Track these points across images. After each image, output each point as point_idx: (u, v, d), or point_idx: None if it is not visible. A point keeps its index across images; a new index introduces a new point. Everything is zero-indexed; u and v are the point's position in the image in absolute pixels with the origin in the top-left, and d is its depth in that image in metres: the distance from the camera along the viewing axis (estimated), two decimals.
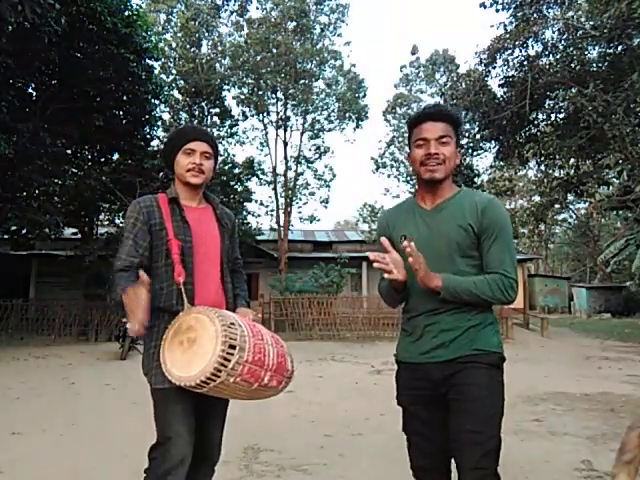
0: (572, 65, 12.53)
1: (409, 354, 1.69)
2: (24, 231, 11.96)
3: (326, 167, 21.10)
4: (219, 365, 1.48)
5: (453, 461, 1.63)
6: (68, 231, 15.16)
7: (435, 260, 1.60)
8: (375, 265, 1.57)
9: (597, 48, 12.48)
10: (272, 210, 19.72)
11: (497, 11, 12.96)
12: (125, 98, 12.06)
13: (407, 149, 1.83)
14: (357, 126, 20.48)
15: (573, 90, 12.21)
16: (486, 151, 18.77)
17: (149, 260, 1.77)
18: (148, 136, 13.88)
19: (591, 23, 11.96)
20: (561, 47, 12.82)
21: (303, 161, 20.38)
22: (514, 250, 1.64)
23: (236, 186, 17.22)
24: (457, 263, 1.61)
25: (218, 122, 18.22)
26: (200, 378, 1.49)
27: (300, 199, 20.36)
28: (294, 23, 18.21)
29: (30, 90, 11.56)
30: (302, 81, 18.73)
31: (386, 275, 1.58)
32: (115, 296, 1.66)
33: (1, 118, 9.55)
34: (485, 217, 1.60)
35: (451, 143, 1.66)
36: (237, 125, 18.96)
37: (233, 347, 1.52)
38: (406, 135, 1.83)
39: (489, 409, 1.53)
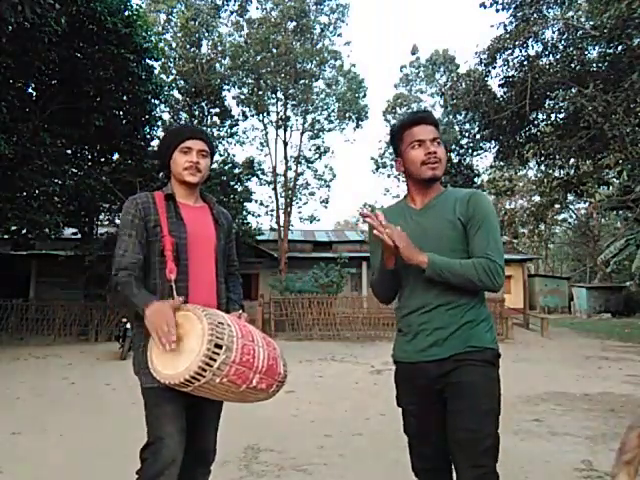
0: (572, 65, 12.53)
1: (406, 354, 1.70)
2: (24, 231, 11.95)
3: (326, 167, 21.11)
4: (204, 364, 1.46)
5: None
6: (68, 231, 15.15)
7: None
8: (367, 220, 1.61)
9: (597, 48, 12.48)
10: (272, 210, 19.73)
11: (497, 11, 12.96)
12: (125, 98, 12.05)
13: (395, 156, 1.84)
14: (357, 126, 20.49)
15: (573, 90, 12.22)
16: (486, 151, 18.79)
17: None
18: (148, 136, 13.87)
19: (591, 23, 11.96)
20: (561, 47, 12.82)
21: (303, 161, 20.39)
22: (500, 239, 1.65)
23: (236, 186, 17.21)
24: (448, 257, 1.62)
25: (218, 122, 18.20)
26: (184, 376, 1.47)
27: (300, 199, 20.38)
28: (294, 23, 18.21)
29: (30, 90, 11.55)
30: (302, 81, 18.73)
31: (375, 232, 1.58)
32: (132, 305, 1.63)
33: (1, 118, 9.55)
34: (470, 207, 1.64)
35: (442, 145, 1.73)
36: (237, 125, 18.95)
37: (219, 347, 1.49)
38: None
39: (485, 406, 1.54)
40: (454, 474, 1.68)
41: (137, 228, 1.75)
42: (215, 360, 1.47)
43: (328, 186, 20.99)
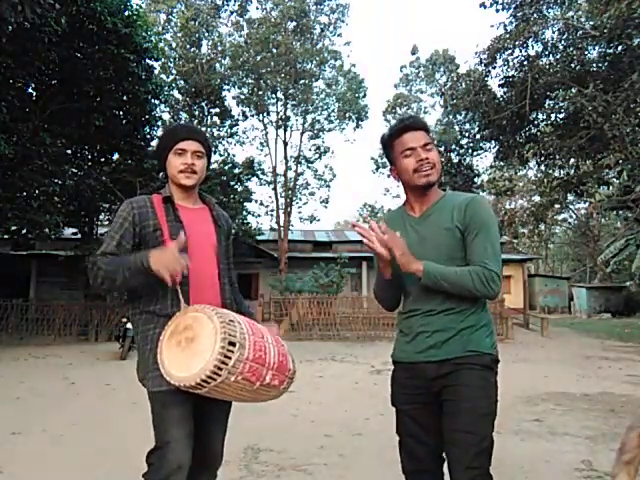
0: (572, 65, 12.54)
1: (405, 354, 1.71)
2: (24, 231, 11.94)
3: (326, 167, 21.16)
4: (219, 363, 1.44)
5: (445, 463, 1.63)
6: (68, 231, 15.15)
7: None
8: (356, 229, 1.59)
9: (597, 48, 12.49)
10: (272, 210, 19.75)
11: (497, 11, 12.98)
12: (125, 98, 12.05)
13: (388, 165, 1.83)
14: (357, 126, 20.52)
15: (573, 90, 12.22)
16: (486, 151, 18.84)
17: None
18: (148, 136, 13.86)
19: (591, 23, 11.97)
20: (561, 47, 12.83)
21: (303, 161, 20.41)
22: (498, 246, 1.63)
23: (236, 186, 17.22)
24: (447, 266, 1.61)
25: (218, 122, 18.23)
26: (200, 377, 1.44)
27: (300, 199, 20.42)
28: (294, 23, 18.23)
29: (30, 90, 11.55)
30: (302, 81, 18.74)
31: (365, 241, 1.57)
32: (128, 266, 1.58)
33: (1, 118, 9.55)
34: (467, 214, 1.63)
35: (434, 149, 1.70)
36: (237, 125, 19.00)
37: (233, 344, 1.47)
38: None
39: (482, 409, 1.55)
40: (443, 477, 1.68)
41: (125, 232, 1.72)
42: (230, 358, 1.46)
43: (328, 186, 21.05)
